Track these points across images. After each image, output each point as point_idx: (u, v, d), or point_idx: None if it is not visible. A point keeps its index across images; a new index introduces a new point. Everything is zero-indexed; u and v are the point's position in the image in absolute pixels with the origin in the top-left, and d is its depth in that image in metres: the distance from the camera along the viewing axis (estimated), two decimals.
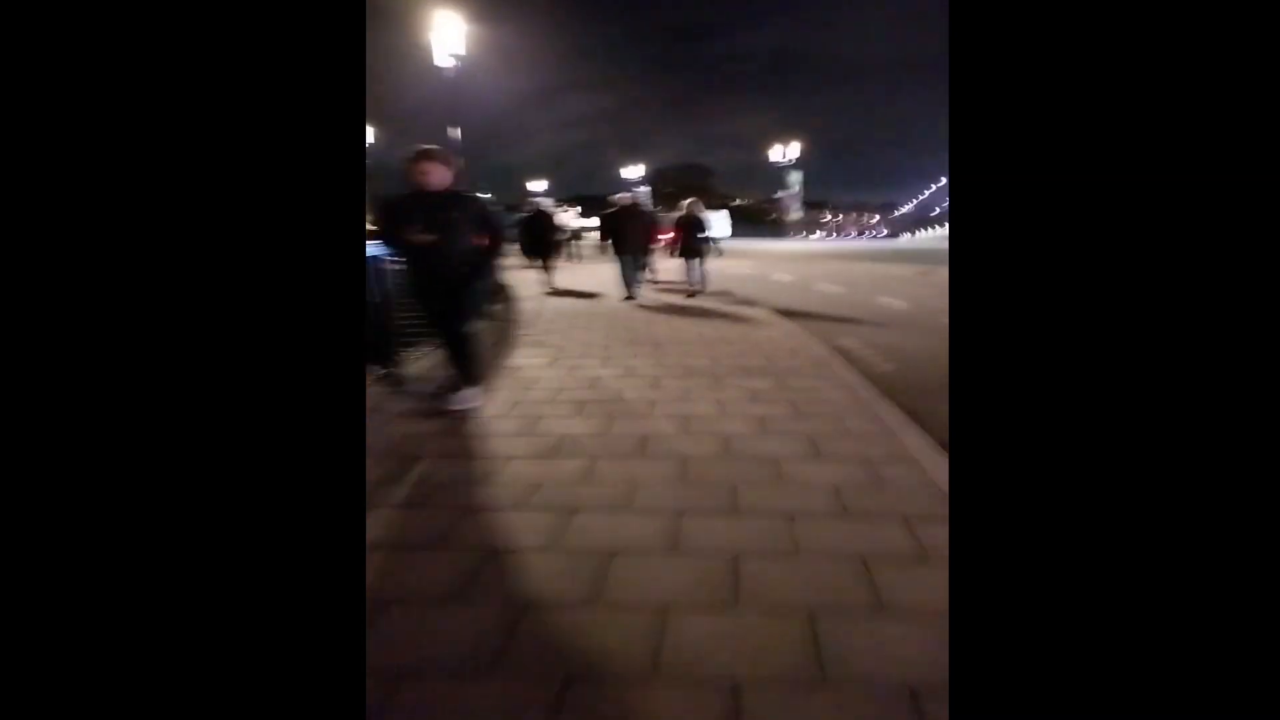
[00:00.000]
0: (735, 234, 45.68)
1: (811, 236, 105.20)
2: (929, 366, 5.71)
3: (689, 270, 10.63)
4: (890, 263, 21.02)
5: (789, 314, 8.57)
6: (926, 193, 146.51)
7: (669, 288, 11.65)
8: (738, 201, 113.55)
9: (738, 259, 24.20)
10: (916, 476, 2.96)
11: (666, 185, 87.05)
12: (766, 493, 2.83)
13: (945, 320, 8.36)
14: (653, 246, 10.77)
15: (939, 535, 2.41)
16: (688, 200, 11.21)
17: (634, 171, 64.74)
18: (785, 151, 52.13)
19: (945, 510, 2.61)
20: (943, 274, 15.01)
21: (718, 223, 12.73)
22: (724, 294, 10.88)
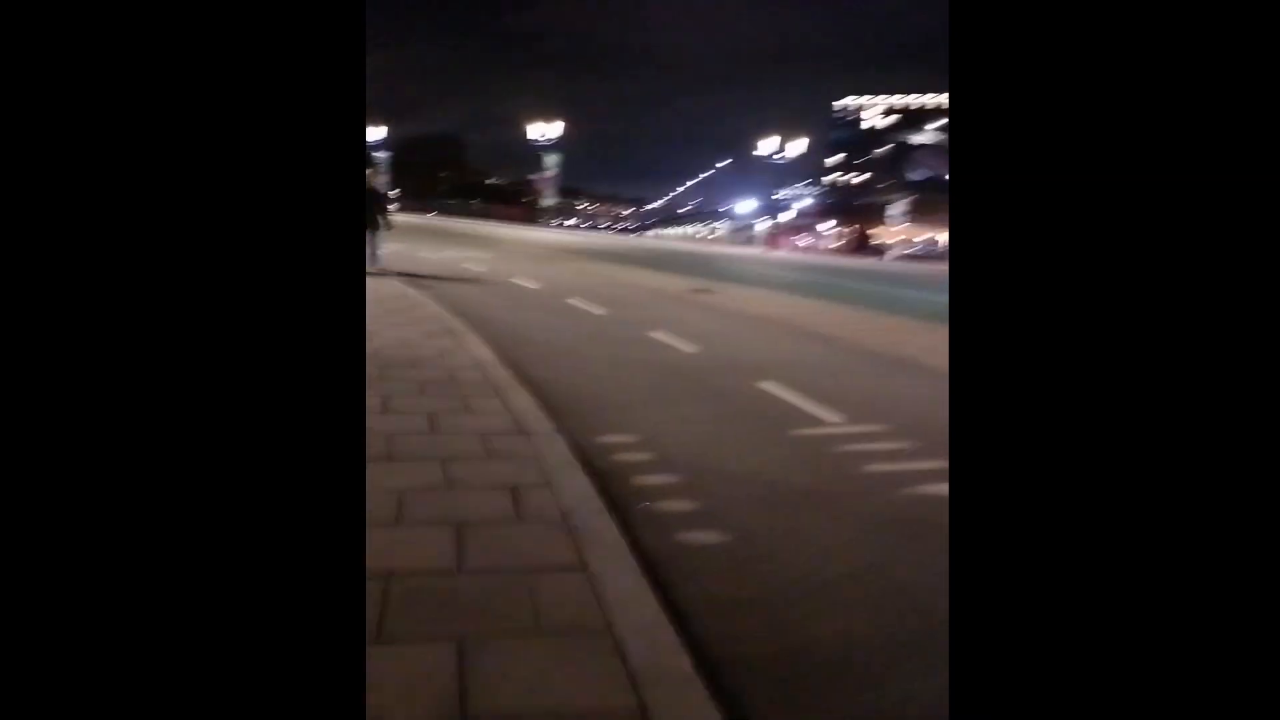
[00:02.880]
0: (477, 216, 42.08)
1: (566, 223, 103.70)
2: (796, 581, 2.46)
3: (368, 245, 10.35)
4: (651, 269, 18.43)
5: (529, 377, 5.18)
6: (677, 191, 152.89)
7: None
8: (490, 180, 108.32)
9: (477, 247, 20.53)
10: None
11: (411, 156, 79.99)
12: None
13: (784, 395, 5.18)
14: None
15: None
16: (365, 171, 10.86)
17: (376, 134, 57.98)
18: (545, 131, 49.15)
19: None
20: (726, 292, 12.46)
21: None
22: (437, 318, 7.22)
